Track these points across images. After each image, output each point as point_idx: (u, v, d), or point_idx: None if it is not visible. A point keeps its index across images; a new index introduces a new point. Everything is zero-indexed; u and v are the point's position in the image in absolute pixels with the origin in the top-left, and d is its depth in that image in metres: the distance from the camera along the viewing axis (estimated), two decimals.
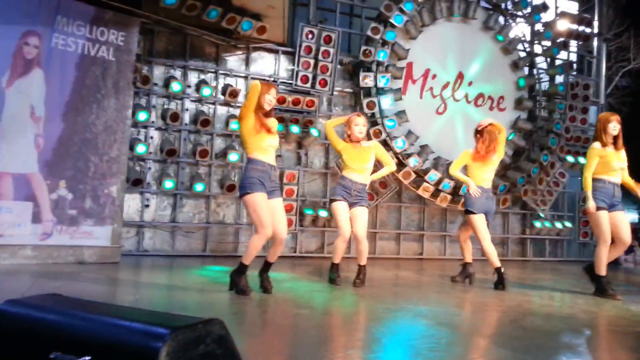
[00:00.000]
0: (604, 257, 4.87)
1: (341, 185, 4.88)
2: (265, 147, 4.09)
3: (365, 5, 7.81)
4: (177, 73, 6.81)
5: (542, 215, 8.48)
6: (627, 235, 4.91)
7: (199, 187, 6.57)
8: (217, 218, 6.90)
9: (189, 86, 6.84)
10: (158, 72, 6.71)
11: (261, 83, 4.15)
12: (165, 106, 6.70)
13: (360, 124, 4.89)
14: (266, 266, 4.29)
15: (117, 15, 5.73)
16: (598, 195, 4.89)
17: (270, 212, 4.03)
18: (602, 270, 4.88)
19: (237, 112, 6.98)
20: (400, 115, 7.47)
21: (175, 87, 6.58)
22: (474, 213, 5.21)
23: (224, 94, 6.90)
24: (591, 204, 4.86)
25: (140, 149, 6.28)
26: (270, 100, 4.14)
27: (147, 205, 6.52)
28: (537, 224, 8.45)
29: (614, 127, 4.94)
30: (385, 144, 7.32)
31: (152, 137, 6.60)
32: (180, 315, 1.61)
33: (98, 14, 5.61)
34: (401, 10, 7.57)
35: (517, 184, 8.11)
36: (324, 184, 7.42)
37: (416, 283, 5.66)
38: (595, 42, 9.54)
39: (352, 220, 4.81)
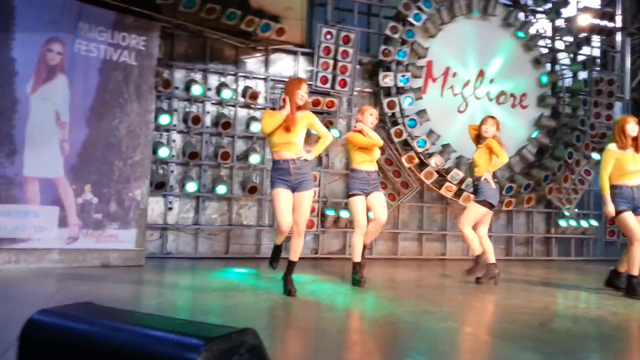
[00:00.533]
0: (638, 257, 4.70)
1: (357, 179, 4.93)
2: (279, 143, 4.20)
3: (383, 5, 7.75)
4: (198, 76, 6.85)
5: (567, 213, 8.34)
6: None
7: (221, 189, 6.61)
8: (239, 220, 6.92)
9: (210, 89, 6.88)
10: (179, 76, 6.75)
11: (291, 80, 4.48)
12: (187, 109, 6.75)
13: (374, 114, 5.06)
14: (289, 267, 4.33)
15: (138, 20, 5.79)
16: (617, 200, 4.81)
17: (293, 205, 4.23)
18: (636, 270, 4.73)
19: (257, 114, 7.02)
20: (421, 115, 7.42)
21: (196, 90, 6.62)
22: (492, 206, 5.30)
23: (244, 96, 6.92)
24: (610, 208, 4.81)
25: (163, 152, 6.33)
26: (302, 95, 4.26)
27: (171, 208, 6.58)
28: (562, 223, 8.30)
29: (633, 128, 4.84)
30: (406, 143, 7.29)
31: (174, 141, 6.65)
32: (213, 324, 1.60)
33: (119, 19, 5.67)
34: (420, 9, 7.50)
35: (541, 182, 7.99)
36: (345, 184, 7.39)
37: (439, 284, 5.60)
38: (618, 37, 9.34)
39: (374, 207, 4.93)
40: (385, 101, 7.27)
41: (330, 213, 7.00)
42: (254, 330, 1.51)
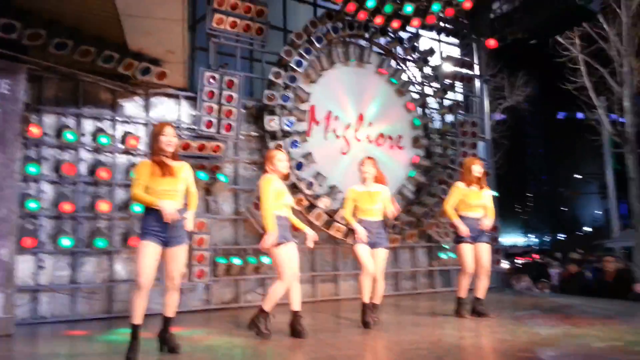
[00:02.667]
0: (464, 283, 5.68)
1: (280, 225, 4.59)
2: (159, 190, 3.86)
3: (265, 50, 7.87)
4: (70, 121, 6.36)
5: (446, 247, 8.87)
6: (487, 264, 5.66)
7: (100, 243, 6.09)
8: (122, 275, 6.40)
9: (84, 135, 6.41)
10: (49, 121, 6.21)
11: (155, 126, 4.12)
12: (58, 157, 6.21)
13: (284, 159, 4.81)
14: (165, 323, 4.02)
15: (1, 61, 5.26)
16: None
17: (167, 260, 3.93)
18: (463, 294, 5.69)
19: (138, 160, 6.66)
20: (307, 157, 7.54)
21: (69, 136, 6.14)
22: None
23: (123, 142, 6.55)
24: (463, 229, 5.53)
25: (32, 205, 5.72)
26: (169, 140, 3.96)
27: (42, 267, 5.91)
28: (443, 256, 8.81)
29: (478, 169, 5.66)
30: (294, 186, 7.33)
31: (44, 192, 6.05)
32: None
33: None
34: (301, 55, 7.74)
35: (421, 219, 8.44)
36: (235, 230, 7.20)
37: (336, 326, 5.60)
38: (477, 83, 10.35)
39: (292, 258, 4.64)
40: (271, 144, 7.30)
41: (222, 261, 6.75)
42: None
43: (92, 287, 6.20)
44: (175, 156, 4.07)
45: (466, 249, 5.60)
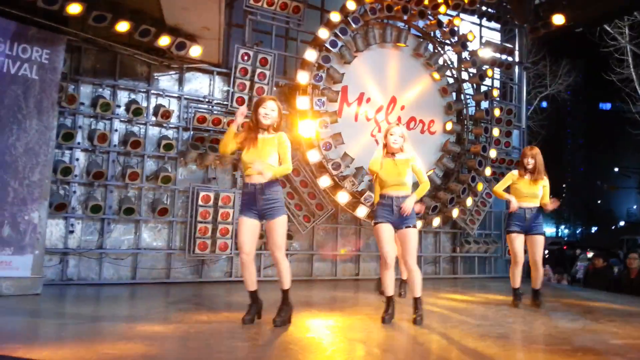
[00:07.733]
0: (515, 273, 5.58)
1: (381, 204, 4.42)
2: (246, 162, 3.98)
3: (300, 29, 7.85)
4: (106, 92, 6.54)
5: (471, 233, 8.79)
6: (538, 257, 5.52)
7: (128, 211, 6.29)
8: (148, 243, 6.61)
9: (119, 106, 6.59)
10: (85, 91, 6.41)
11: (256, 100, 4.21)
12: (93, 127, 6.40)
13: (395, 134, 4.44)
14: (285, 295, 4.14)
15: (42, 32, 5.43)
16: (512, 220, 5.53)
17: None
18: (515, 284, 5.63)
19: (169, 133, 6.82)
20: (336, 138, 7.54)
21: (104, 106, 6.31)
22: None
23: (155, 114, 6.69)
24: (514, 203, 5.47)
25: (65, 171, 5.94)
26: (265, 113, 4.01)
27: (72, 231, 6.16)
28: (467, 243, 8.74)
29: (527, 162, 5.54)
30: (322, 166, 7.36)
31: (77, 159, 6.27)
32: None
33: (20, 30, 5.28)
34: (336, 35, 7.69)
35: (447, 204, 8.37)
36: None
37: (354, 304, 5.65)
38: (516, 70, 10.09)
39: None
40: (301, 124, 7.33)
41: None
42: None
43: (119, 253, 6.42)
44: (270, 129, 4.07)
45: (515, 239, 5.49)
